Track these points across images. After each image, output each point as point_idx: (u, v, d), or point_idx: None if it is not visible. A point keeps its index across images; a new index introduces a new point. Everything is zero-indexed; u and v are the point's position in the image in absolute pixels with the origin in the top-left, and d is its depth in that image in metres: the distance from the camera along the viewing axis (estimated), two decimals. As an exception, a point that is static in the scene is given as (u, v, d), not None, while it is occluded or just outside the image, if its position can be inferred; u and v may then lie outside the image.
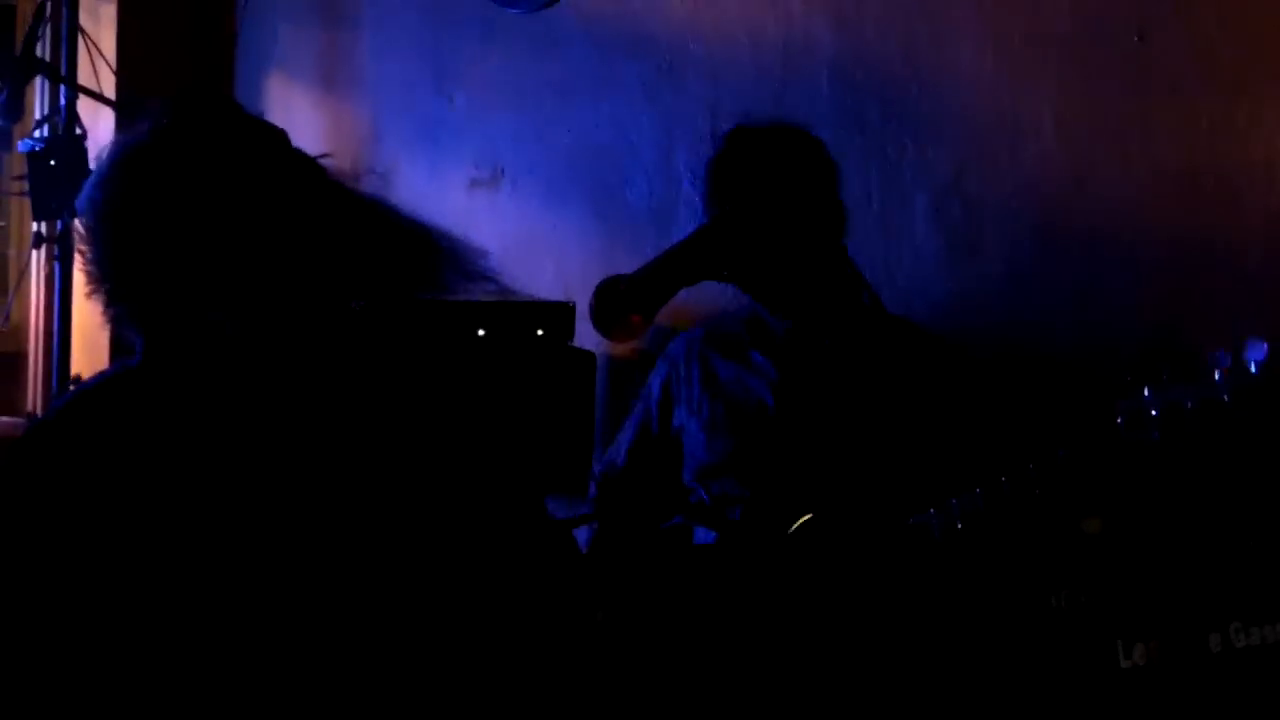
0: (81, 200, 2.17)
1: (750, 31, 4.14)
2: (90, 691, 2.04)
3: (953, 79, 3.69)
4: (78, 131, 4.87)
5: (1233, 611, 2.30)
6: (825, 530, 2.94)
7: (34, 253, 5.23)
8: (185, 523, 2.05)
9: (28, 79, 4.89)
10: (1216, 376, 2.61)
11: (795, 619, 2.79)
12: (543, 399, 4.12)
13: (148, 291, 2.13)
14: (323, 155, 2.25)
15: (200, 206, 2.11)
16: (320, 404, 2.14)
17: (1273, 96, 3.16)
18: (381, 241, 2.22)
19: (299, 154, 2.22)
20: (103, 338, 5.07)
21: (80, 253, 2.17)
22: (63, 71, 4.98)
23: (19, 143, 4.91)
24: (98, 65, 5.15)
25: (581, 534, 3.40)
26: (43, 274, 5.41)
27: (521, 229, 4.71)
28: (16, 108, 4.83)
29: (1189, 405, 2.63)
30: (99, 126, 5.02)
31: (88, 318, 4.95)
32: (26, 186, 4.83)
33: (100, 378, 2.24)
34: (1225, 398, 2.59)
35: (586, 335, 3.58)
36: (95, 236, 2.15)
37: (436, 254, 2.26)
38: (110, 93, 5.14)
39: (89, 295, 2.19)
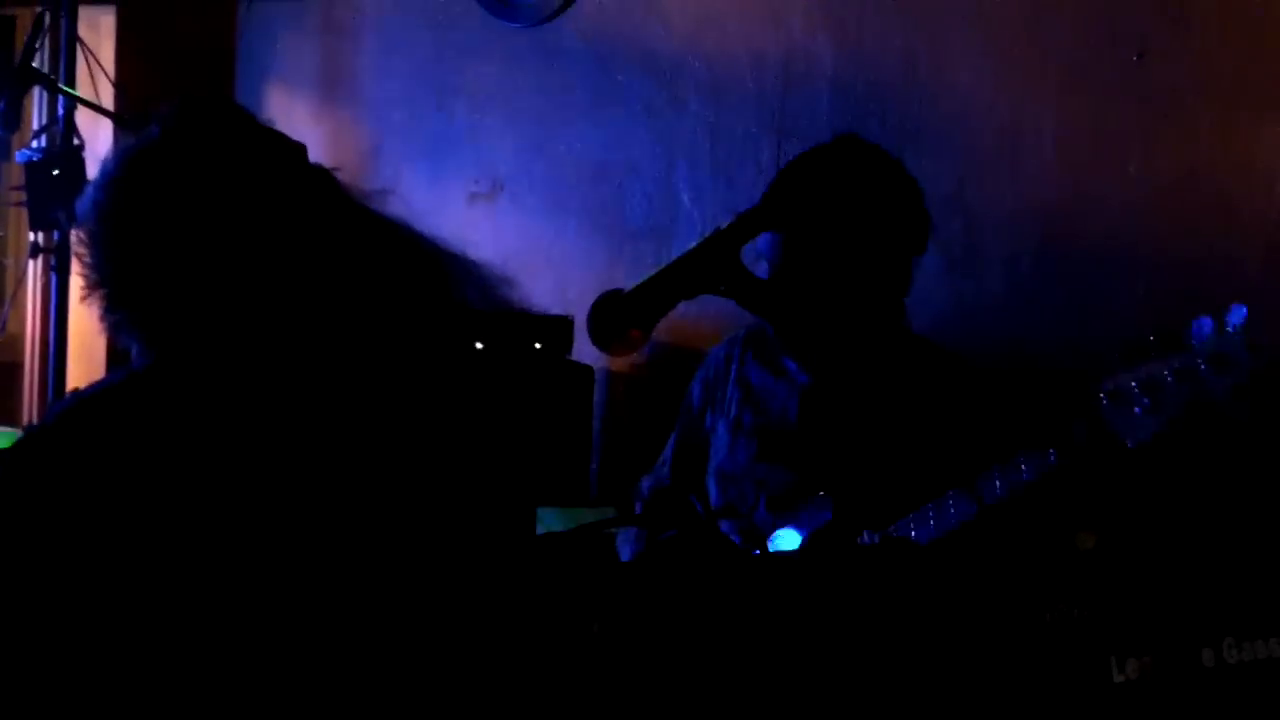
0: (83, 202, 2.15)
1: (751, 47, 4.15)
2: (89, 694, 2.03)
3: (953, 95, 3.70)
4: (76, 142, 4.87)
5: (1226, 627, 2.30)
6: (823, 547, 2.94)
7: (31, 263, 5.23)
8: (182, 528, 2.04)
9: (26, 89, 4.89)
10: (1195, 344, 2.61)
11: (790, 634, 2.79)
12: (541, 412, 4.12)
13: (148, 299, 2.12)
14: (332, 169, 2.24)
15: (205, 214, 2.10)
16: (319, 414, 2.13)
17: (1271, 113, 3.16)
18: (389, 256, 2.21)
19: (311, 165, 2.21)
20: (99, 348, 5.08)
21: (79, 256, 2.16)
22: (61, 82, 4.97)
23: (17, 153, 4.91)
24: (96, 76, 5.15)
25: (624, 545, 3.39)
26: (40, 284, 5.41)
27: (520, 243, 4.71)
28: (15, 118, 4.82)
29: (1168, 376, 2.63)
30: (97, 137, 5.02)
31: (84, 328, 4.95)
32: (24, 197, 4.82)
33: (98, 385, 2.23)
34: (1200, 364, 2.59)
35: (585, 349, 3.58)
36: (96, 240, 2.14)
37: (445, 270, 2.25)
38: (109, 104, 5.13)
39: (83, 299, 2.17)
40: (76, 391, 2.24)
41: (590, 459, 4.27)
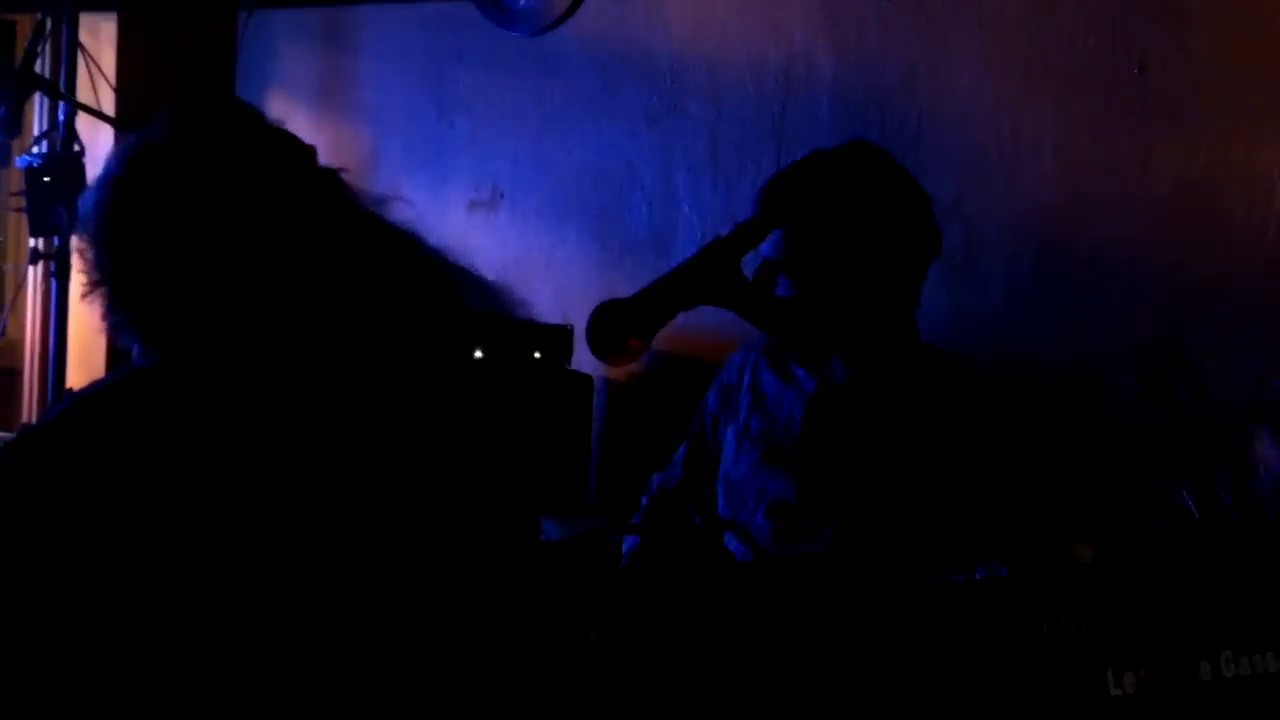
0: (86, 201, 2.15)
1: (751, 56, 4.15)
2: (88, 695, 2.03)
3: (953, 105, 3.70)
4: (76, 148, 4.87)
5: (1224, 640, 2.29)
6: (824, 565, 2.94)
7: (31, 268, 5.23)
8: (179, 530, 2.04)
9: (27, 95, 4.90)
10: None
11: (788, 644, 2.79)
12: (540, 421, 4.12)
13: (149, 299, 2.11)
14: (339, 169, 2.23)
15: (208, 213, 2.09)
16: (318, 419, 2.13)
17: (1270, 127, 3.16)
18: (392, 261, 2.21)
19: (319, 167, 2.21)
20: (99, 354, 5.08)
21: (80, 253, 2.15)
22: (62, 88, 4.98)
23: (17, 159, 4.91)
24: (97, 82, 5.15)
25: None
26: (39, 290, 5.41)
27: (520, 251, 4.72)
28: (15, 124, 4.83)
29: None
30: (98, 143, 5.02)
31: (84, 334, 4.95)
32: (24, 202, 4.83)
33: (96, 385, 2.23)
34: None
35: (584, 358, 3.58)
36: (98, 239, 2.13)
37: (447, 277, 2.25)
38: (110, 110, 5.14)
39: (84, 297, 2.16)
40: (73, 392, 2.24)
41: (589, 468, 4.27)
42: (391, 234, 2.22)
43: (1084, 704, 2.27)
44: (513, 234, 4.79)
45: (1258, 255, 3.17)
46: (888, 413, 3.09)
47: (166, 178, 2.10)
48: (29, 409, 5.48)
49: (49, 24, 4.99)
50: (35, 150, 4.97)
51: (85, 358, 5.09)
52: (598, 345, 3.02)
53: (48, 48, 5.08)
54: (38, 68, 4.91)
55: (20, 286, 5.38)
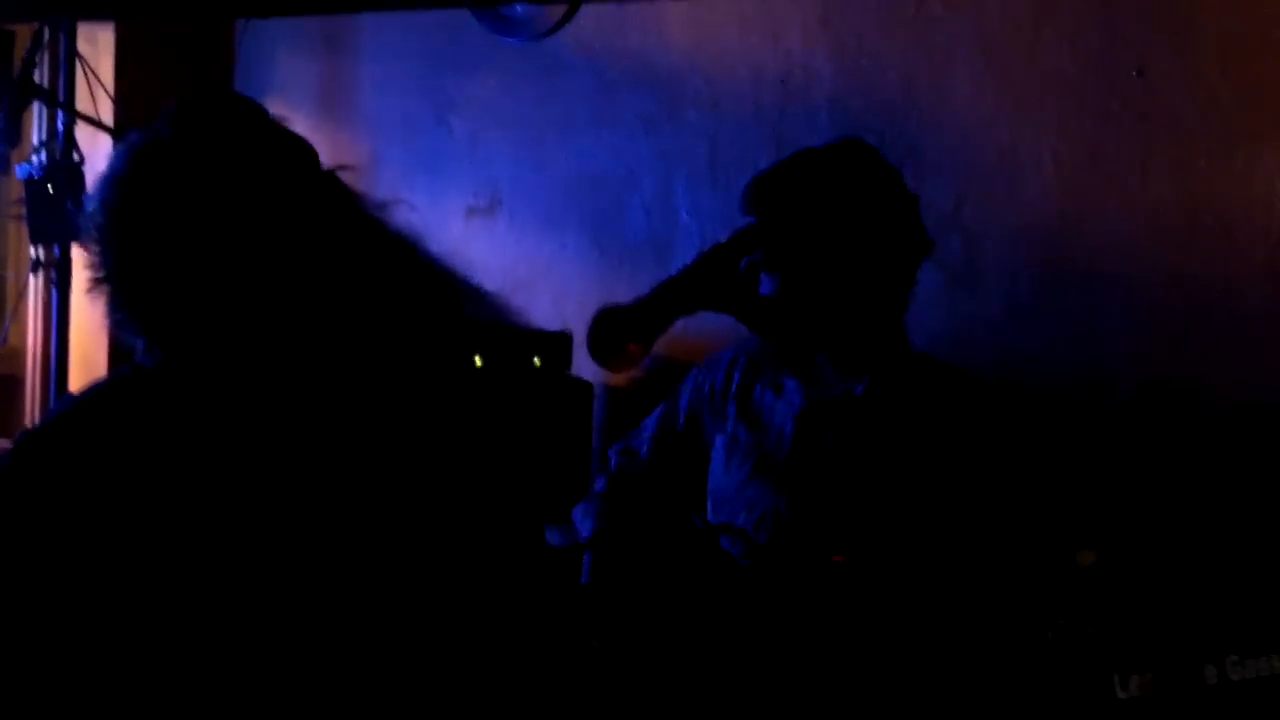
0: (91, 197, 2.14)
1: (750, 64, 4.16)
2: (90, 697, 2.03)
3: (952, 113, 3.70)
4: (75, 157, 4.88)
5: (1229, 643, 2.30)
6: (823, 568, 2.94)
7: (31, 277, 5.24)
8: (180, 530, 2.04)
9: (25, 104, 4.90)
10: None
11: (791, 651, 2.79)
12: (540, 428, 4.12)
13: (152, 297, 2.11)
14: (342, 167, 2.23)
15: (214, 211, 2.09)
16: (318, 423, 2.13)
17: (1272, 136, 3.16)
18: (394, 266, 2.21)
19: (321, 167, 2.21)
20: (100, 362, 5.08)
21: (85, 250, 2.15)
22: (60, 97, 4.99)
23: (17, 168, 4.92)
24: (96, 91, 5.16)
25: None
26: (40, 299, 5.42)
27: (519, 258, 4.72)
28: (14, 133, 4.83)
29: None
30: (97, 152, 5.02)
31: (85, 342, 4.95)
32: (24, 211, 4.83)
33: (96, 386, 2.22)
34: None
35: (584, 364, 3.58)
36: (102, 236, 2.13)
37: (446, 284, 2.25)
38: (108, 119, 5.14)
39: (88, 292, 2.16)
40: (72, 394, 2.24)
41: (590, 474, 4.27)
42: (393, 238, 2.23)
43: (1090, 708, 2.27)
44: (511, 241, 4.79)
45: (1258, 263, 3.18)
46: (879, 426, 3.08)
47: (170, 175, 2.10)
48: (31, 418, 5.48)
49: (47, 33, 4.99)
50: (34, 159, 4.97)
51: (86, 366, 5.09)
52: (598, 351, 3.02)
53: (46, 57, 5.09)
54: (36, 77, 4.91)
55: (21, 295, 5.39)
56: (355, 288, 2.16)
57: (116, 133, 4.94)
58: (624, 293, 3.11)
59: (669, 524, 3.22)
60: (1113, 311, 3.42)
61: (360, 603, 2.09)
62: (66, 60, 5.04)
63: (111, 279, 2.12)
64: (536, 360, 4.13)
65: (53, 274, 4.94)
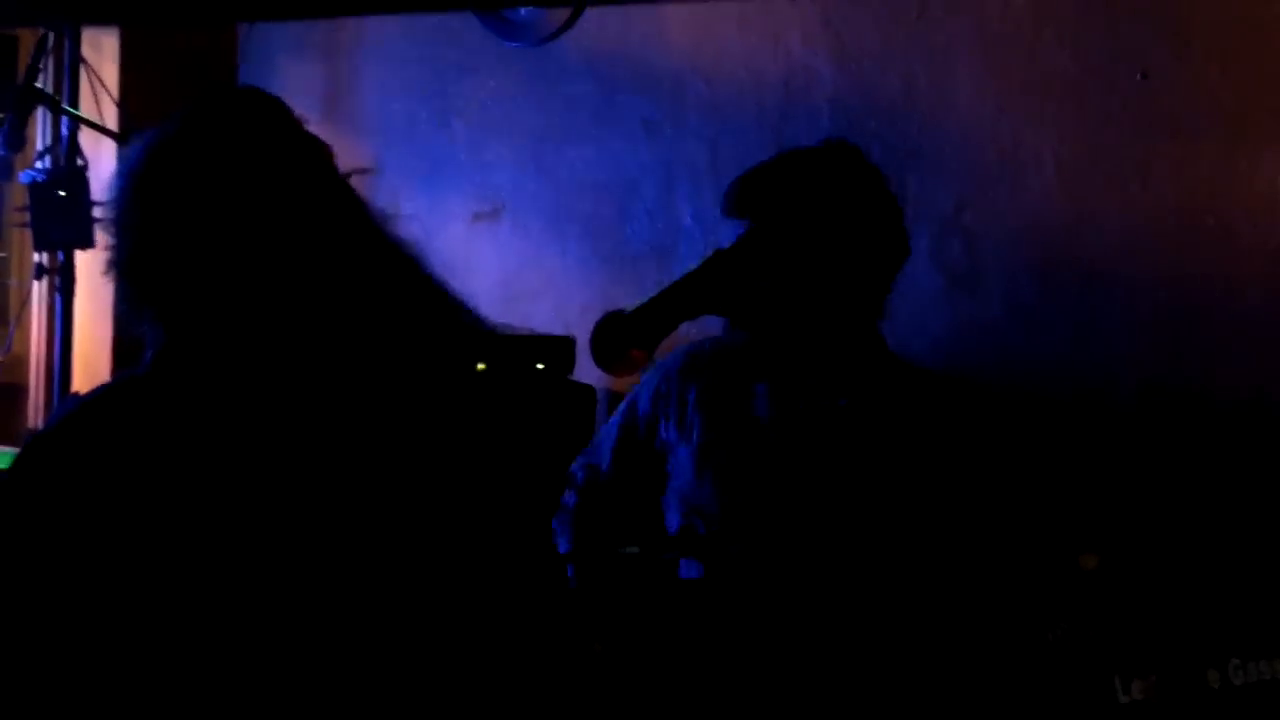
0: (109, 188, 2.15)
1: (751, 68, 4.16)
2: (98, 698, 2.03)
3: (953, 116, 3.70)
4: (79, 163, 4.87)
5: (1231, 647, 2.30)
6: (822, 569, 2.94)
7: (35, 284, 5.23)
8: (189, 532, 2.04)
9: (30, 109, 4.89)
10: None
11: (793, 654, 2.79)
12: (542, 433, 4.11)
13: (162, 290, 2.11)
14: (356, 171, 2.24)
15: (226, 206, 2.09)
16: (323, 428, 2.13)
17: (1273, 139, 3.17)
18: (400, 270, 2.21)
19: (335, 167, 2.22)
20: (104, 370, 5.07)
21: (105, 230, 2.15)
22: (65, 102, 4.98)
23: (21, 174, 4.91)
24: (100, 96, 5.15)
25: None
26: (44, 305, 5.41)
27: (522, 263, 4.72)
28: (18, 138, 4.82)
29: None
30: (101, 158, 5.03)
31: (89, 349, 4.95)
32: (28, 217, 4.83)
33: (102, 388, 2.23)
34: None
35: (587, 369, 3.58)
36: (115, 227, 2.13)
37: (448, 290, 2.26)
38: (112, 124, 5.14)
39: (103, 274, 2.17)
40: (78, 396, 2.24)
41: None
42: (397, 245, 2.23)
43: (1092, 712, 2.28)
44: (514, 246, 4.79)
45: (1259, 264, 3.18)
46: (856, 433, 3.08)
47: (184, 168, 2.10)
48: (34, 424, 5.47)
49: (51, 39, 4.99)
50: (39, 165, 4.97)
51: (90, 373, 5.08)
52: (601, 356, 3.02)
53: (50, 63, 5.08)
54: (40, 82, 4.90)
55: (25, 302, 5.38)
56: (362, 290, 2.17)
57: (121, 138, 4.93)
58: (626, 298, 3.11)
59: (640, 532, 3.23)
60: (1114, 313, 3.42)
61: (363, 606, 2.09)
62: (71, 66, 5.03)
63: (124, 266, 2.12)
64: (539, 365, 4.12)
65: (56, 280, 4.93)
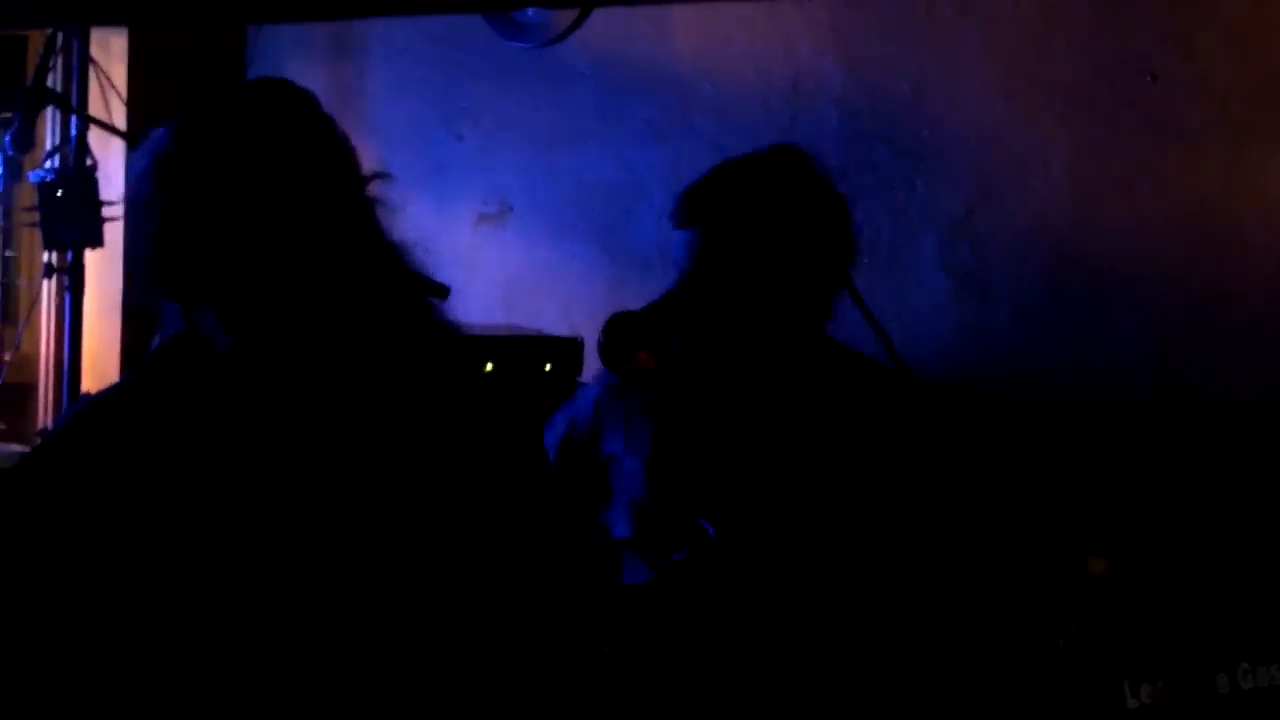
0: (133, 168, 2.15)
1: (759, 70, 4.16)
2: (106, 699, 2.03)
3: (962, 120, 3.71)
4: (88, 162, 4.88)
5: (1240, 652, 2.30)
6: (824, 573, 2.94)
7: (44, 284, 5.23)
8: (203, 532, 2.04)
9: (38, 109, 4.90)
10: None
11: (802, 657, 2.79)
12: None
13: (189, 272, 2.12)
14: (375, 175, 2.25)
15: (253, 193, 2.10)
16: (332, 429, 2.13)
17: (1280, 141, 3.17)
18: (407, 271, 2.22)
19: (357, 160, 2.23)
20: (114, 369, 5.08)
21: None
22: (73, 102, 4.99)
23: (30, 173, 4.92)
24: (108, 96, 5.16)
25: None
26: (53, 305, 5.41)
27: (528, 265, 4.72)
28: (27, 138, 4.83)
29: None
30: (110, 157, 5.03)
31: (98, 348, 4.96)
32: (37, 217, 4.83)
33: (112, 388, 2.23)
34: None
35: (595, 371, 3.58)
36: (135, 206, 2.14)
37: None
38: (121, 124, 5.14)
39: (124, 253, 2.17)
40: (88, 395, 2.24)
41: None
42: (403, 246, 2.24)
43: (1101, 716, 2.28)
44: (521, 248, 4.79)
45: (1269, 269, 3.18)
46: (810, 435, 3.07)
47: (213, 150, 2.11)
48: (43, 424, 5.48)
49: (60, 39, 5.00)
50: (48, 165, 4.97)
51: (99, 372, 5.08)
52: (609, 358, 3.02)
53: (59, 62, 5.08)
54: (49, 82, 4.91)
55: (34, 301, 5.39)
56: (371, 289, 2.18)
57: (129, 138, 4.94)
58: (633, 300, 3.11)
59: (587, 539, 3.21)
60: (1122, 317, 3.42)
61: (373, 605, 2.10)
62: (79, 66, 5.04)
63: (148, 246, 2.13)
64: (547, 366, 4.13)
65: (65, 280, 4.94)
